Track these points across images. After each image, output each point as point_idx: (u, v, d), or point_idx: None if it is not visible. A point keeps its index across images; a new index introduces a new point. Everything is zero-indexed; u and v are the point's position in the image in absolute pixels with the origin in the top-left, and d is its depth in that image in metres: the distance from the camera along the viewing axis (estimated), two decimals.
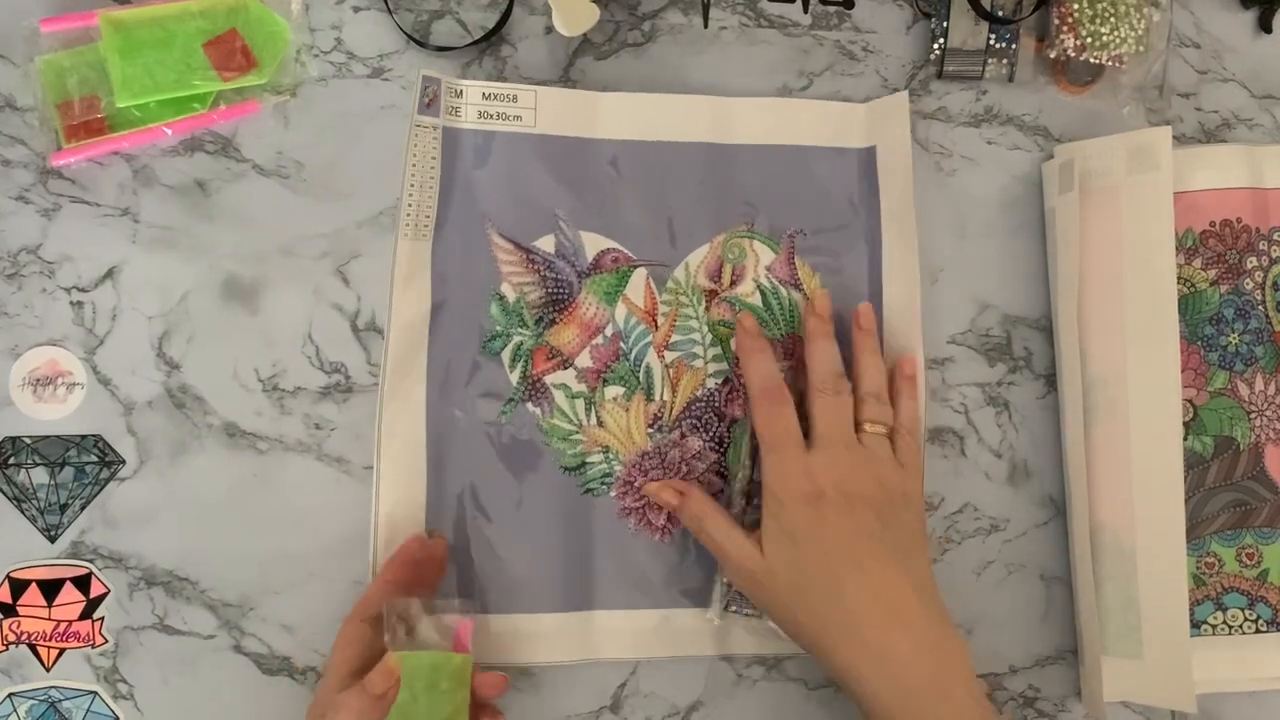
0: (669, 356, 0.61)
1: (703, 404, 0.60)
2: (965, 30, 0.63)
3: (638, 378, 0.60)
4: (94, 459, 0.58)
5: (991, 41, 0.63)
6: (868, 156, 0.63)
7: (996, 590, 0.61)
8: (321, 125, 0.61)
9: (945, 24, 0.63)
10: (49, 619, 0.57)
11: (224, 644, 0.58)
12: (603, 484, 0.59)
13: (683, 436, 0.60)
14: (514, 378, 0.60)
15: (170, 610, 0.58)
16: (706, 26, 0.62)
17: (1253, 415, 0.60)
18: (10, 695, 0.57)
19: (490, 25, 0.62)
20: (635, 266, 0.61)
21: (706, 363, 0.61)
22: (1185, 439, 0.59)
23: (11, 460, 0.58)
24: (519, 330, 0.60)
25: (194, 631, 0.58)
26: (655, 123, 0.62)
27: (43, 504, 0.58)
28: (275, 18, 0.61)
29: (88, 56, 0.60)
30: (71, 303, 0.59)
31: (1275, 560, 0.60)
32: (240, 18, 0.60)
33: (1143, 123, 0.64)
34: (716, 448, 0.60)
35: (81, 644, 0.57)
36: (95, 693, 0.57)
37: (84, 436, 0.58)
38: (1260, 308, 0.61)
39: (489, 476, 0.59)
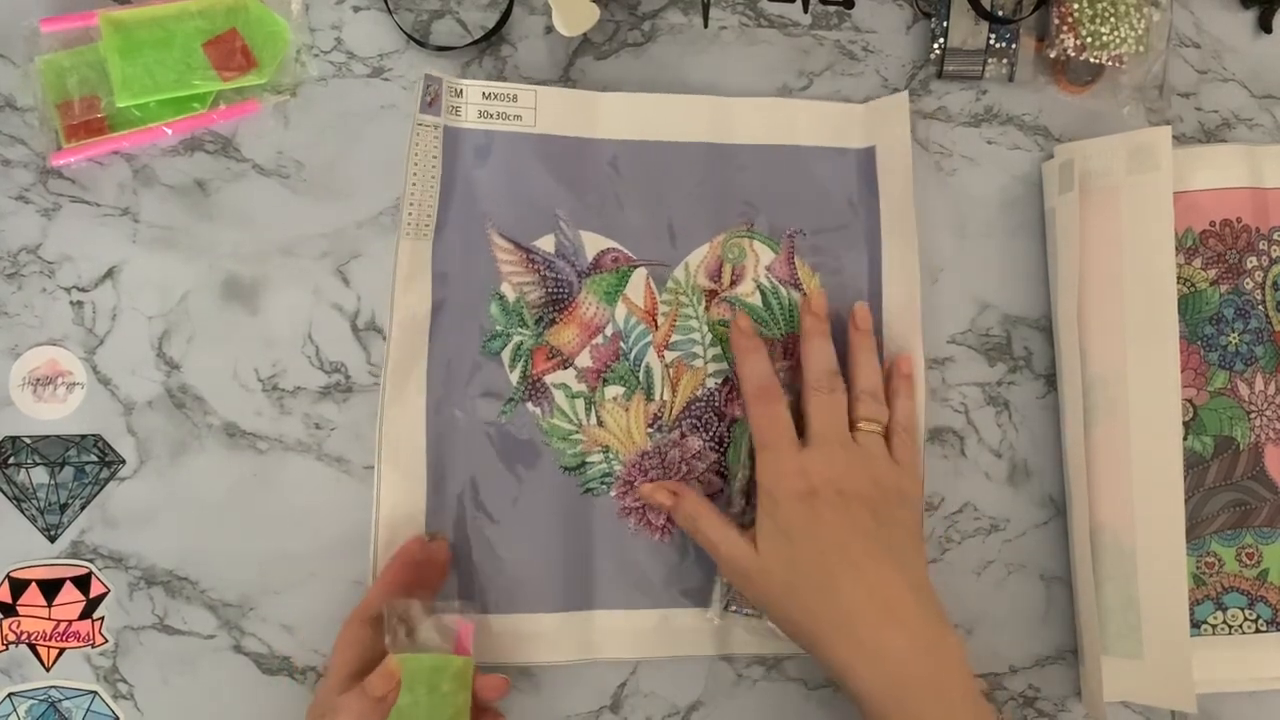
0: (669, 356, 0.61)
1: (703, 404, 0.60)
2: (965, 30, 0.63)
3: (638, 377, 0.60)
4: (94, 459, 0.58)
5: (991, 41, 0.63)
6: (867, 156, 0.63)
7: (996, 590, 0.61)
8: (321, 125, 0.61)
9: (945, 24, 0.63)
10: (49, 619, 0.57)
11: (224, 644, 0.58)
12: (603, 484, 0.59)
13: (683, 436, 0.60)
14: (514, 377, 0.60)
15: (170, 610, 0.58)
16: (706, 26, 0.62)
17: (1253, 415, 0.60)
18: (10, 695, 0.57)
19: (490, 25, 0.62)
20: (635, 266, 0.61)
21: (706, 363, 0.61)
22: (1185, 439, 0.59)
23: (11, 460, 0.58)
24: (519, 330, 0.60)
25: (194, 631, 0.58)
26: (655, 123, 0.62)
27: (43, 504, 0.58)
28: (275, 17, 0.61)
29: (88, 56, 0.60)
30: (71, 302, 0.59)
31: (1275, 560, 0.60)
32: (240, 17, 0.60)
33: (1143, 123, 0.64)
34: (716, 447, 0.60)
35: (81, 644, 0.57)
36: (95, 692, 0.57)
37: (84, 436, 0.58)
38: (1260, 307, 0.61)
39: (489, 476, 0.59)
